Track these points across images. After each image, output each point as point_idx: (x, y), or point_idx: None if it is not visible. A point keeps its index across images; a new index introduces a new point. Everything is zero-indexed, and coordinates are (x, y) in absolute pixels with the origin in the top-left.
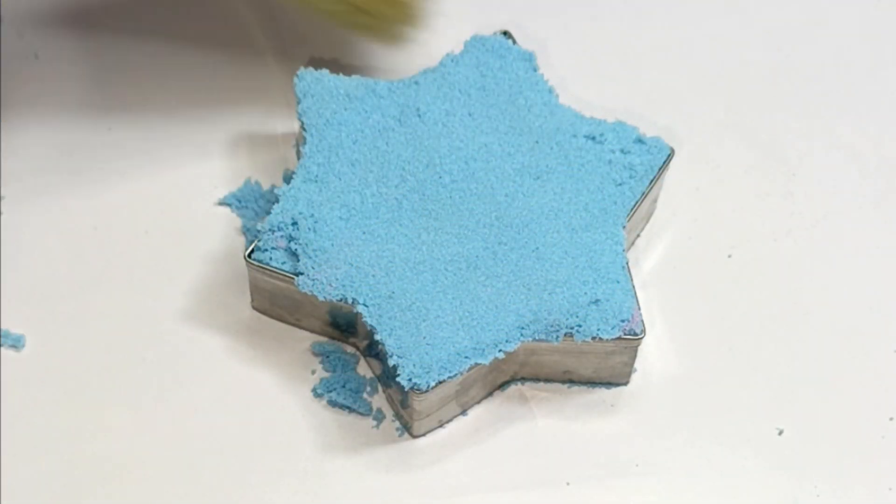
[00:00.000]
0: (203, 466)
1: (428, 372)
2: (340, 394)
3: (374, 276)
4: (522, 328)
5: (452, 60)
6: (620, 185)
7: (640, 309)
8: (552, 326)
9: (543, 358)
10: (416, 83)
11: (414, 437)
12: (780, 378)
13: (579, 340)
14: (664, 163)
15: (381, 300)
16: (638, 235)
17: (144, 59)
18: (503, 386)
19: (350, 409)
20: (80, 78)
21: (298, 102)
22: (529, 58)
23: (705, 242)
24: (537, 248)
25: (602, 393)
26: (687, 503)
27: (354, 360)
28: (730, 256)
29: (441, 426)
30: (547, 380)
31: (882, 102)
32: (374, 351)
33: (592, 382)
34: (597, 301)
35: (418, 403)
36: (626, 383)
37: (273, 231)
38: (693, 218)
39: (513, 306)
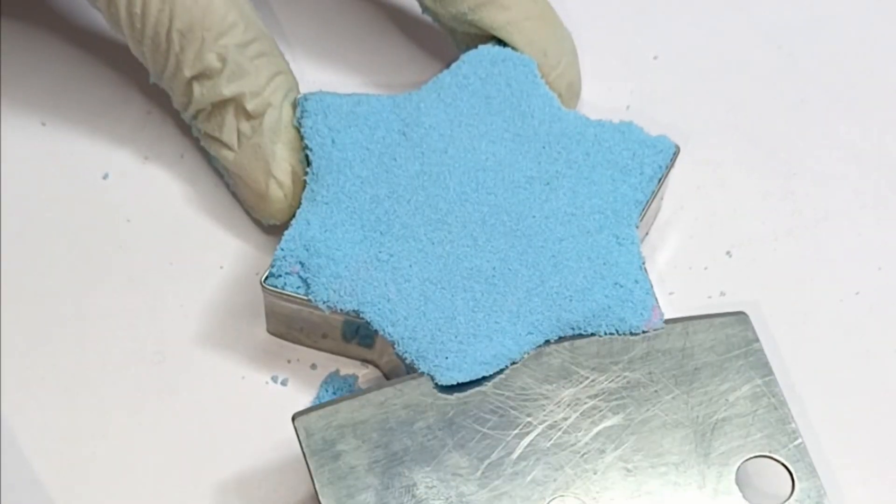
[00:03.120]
0: (217, 493)
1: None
2: None
3: (390, 296)
4: (545, 335)
5: (453, 71)
6: (630, 185)
7: (658, 306)
8: (574, 331)
9: None
10: (419, 96)
11: None
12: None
13: None
14: (671, 161)
15: (399, 318)
16: (647, 233)
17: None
18: None
19: None
20: (82, 84)
21: (301, 125)
22: (530, 64)
23: (706, 241)
24: (553, 256)
25: None
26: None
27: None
28: (730, 255)
29: None
30: None
31: (882, 102)
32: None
33: None
34: (617, 303)
35: None
36: None
37: (285, 258)
38: (694, 217)
39: (532, 317)
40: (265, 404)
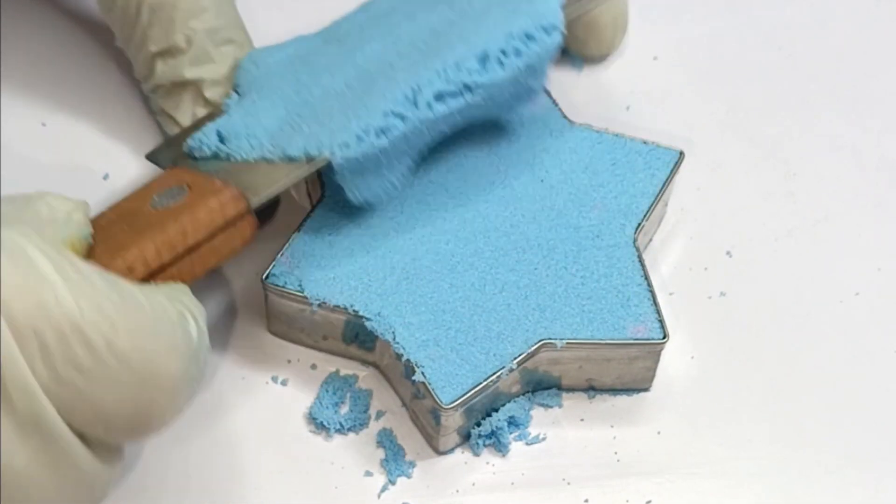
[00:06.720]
0: (216, 493)
1: (452, 382)
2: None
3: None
4: (538, 336)
5: None
6: (631, 195)
7: (659, 311)
8: (572, 335)
9: (566, 367)
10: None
11: (440, 453)
12: (781, 379)
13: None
14: (673, 168)
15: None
16: (650, 240)
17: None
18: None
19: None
20: (82, 84)
21: (236, 81)
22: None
23: (706, 241)
24: (550, 266)
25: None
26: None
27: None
28: (730, 255)
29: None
30: (569, 389)
31: (882, 102)
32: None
33: (614, 389)
34: (618, 305)
35: (446, 419)
36: (647, 388)
37: (201, 147)
38: (694, 217)
39: (528, 323)
40: (265, 404)
